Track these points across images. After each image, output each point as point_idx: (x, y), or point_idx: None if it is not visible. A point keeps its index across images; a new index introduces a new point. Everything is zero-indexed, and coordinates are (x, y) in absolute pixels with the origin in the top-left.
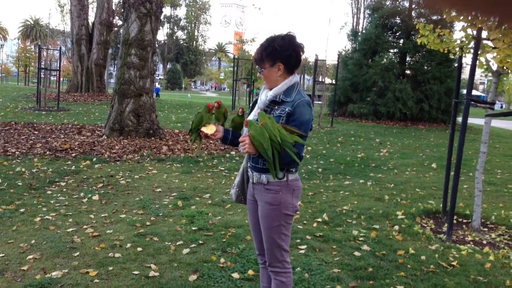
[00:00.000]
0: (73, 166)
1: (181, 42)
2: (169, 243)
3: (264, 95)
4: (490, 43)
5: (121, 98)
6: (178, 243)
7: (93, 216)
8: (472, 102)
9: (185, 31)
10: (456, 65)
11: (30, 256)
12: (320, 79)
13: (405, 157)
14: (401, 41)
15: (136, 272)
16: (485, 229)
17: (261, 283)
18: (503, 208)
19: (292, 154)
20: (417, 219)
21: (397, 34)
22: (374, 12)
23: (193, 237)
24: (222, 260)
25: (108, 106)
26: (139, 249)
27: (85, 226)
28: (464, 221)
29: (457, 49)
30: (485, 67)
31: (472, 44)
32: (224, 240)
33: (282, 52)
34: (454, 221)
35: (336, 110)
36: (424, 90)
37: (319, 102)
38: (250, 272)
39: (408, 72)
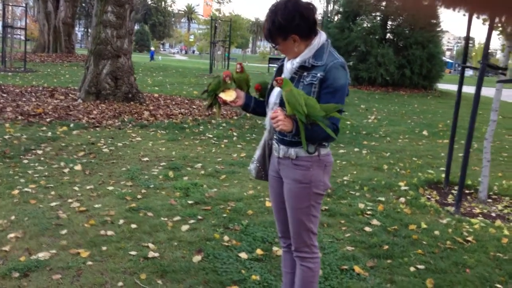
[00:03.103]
0: (49, 132)
1: (149, 2)
2: (166, 219)
3: (290, 63)
4: None
5: (97, 59)
6: (175, 219)
7: (78, 188)
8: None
9: None
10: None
11: (12, 235)
12: None
13: (394, 124)
14: (383, 3)
15: (133, 253)
16: (490, 201)
17: (284, 268)
18: (503, 177)
19: (326, 128)
20: (420, 190)
21: None
22: None
23: (190, 212)
24: (226, 238)
25: (79, 68)
26: (133, 226)
27: (69, 200)
28: (467, 191)
29: None
30: (500, 29)
31: None
32: (225, 215)
33: (289, 24)
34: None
35: None
36: (406, 55)
37: None
38: (259, 251)
39: (390, 36)
